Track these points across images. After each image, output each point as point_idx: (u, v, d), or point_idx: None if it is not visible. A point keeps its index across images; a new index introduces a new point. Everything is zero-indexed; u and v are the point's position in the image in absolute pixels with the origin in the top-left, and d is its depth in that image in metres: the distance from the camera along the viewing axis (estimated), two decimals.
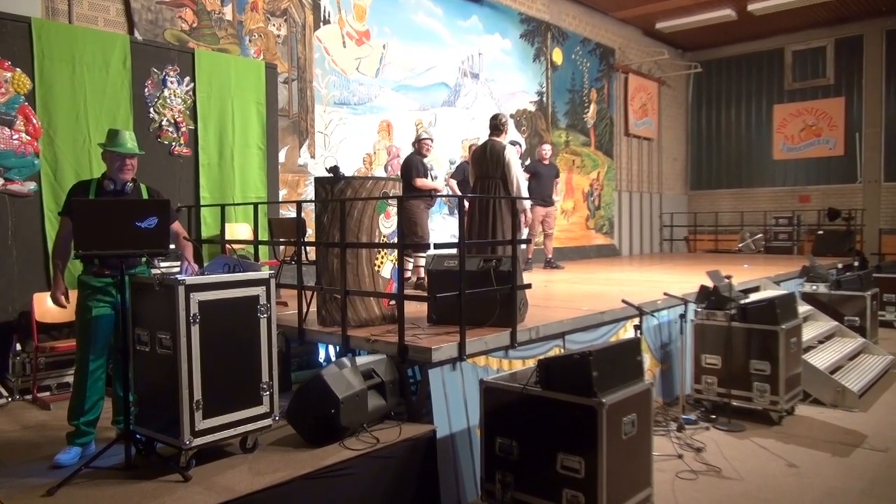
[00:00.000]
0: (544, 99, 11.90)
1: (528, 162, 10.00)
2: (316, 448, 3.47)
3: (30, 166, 5.23)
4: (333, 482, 3.26)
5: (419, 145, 7.04)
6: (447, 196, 9.15)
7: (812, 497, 3.90)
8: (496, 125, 6.05)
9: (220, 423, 3.27)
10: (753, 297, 6.03)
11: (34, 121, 5.23)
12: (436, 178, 9.42)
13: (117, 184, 3.66)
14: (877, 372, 6.52)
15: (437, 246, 4.42)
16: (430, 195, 6.89)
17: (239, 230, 6.59)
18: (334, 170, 4.59)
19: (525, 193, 6.04)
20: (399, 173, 7.33)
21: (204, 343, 3.19)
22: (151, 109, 6.05)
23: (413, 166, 6.86)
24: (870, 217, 13.57)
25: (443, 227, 9.67)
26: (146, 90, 6.00)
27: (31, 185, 5.24)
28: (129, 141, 3.69)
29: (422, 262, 6.78)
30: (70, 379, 4.98)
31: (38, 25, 5.35)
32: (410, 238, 6.46)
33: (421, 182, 6.81)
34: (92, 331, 3.55)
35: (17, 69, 5.19)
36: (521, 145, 9.21)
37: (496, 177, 5.80)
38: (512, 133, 10.61)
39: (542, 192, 9.13)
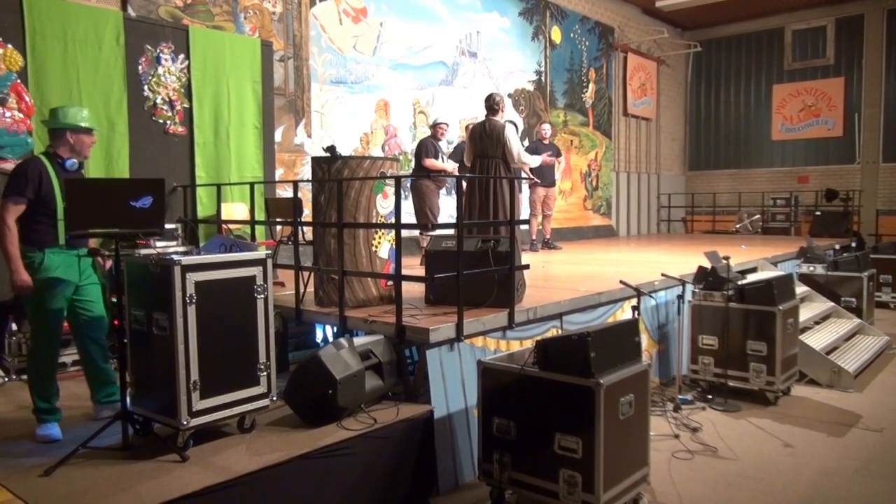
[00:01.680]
0: (542, 78, 11.81)
1: (526, 142, 9.93)
2: (313, 428, 3.47)
3: (23, 145, 5.17)
4: (331, 462, 3.26)
5: (434, 129, 7.51)
6: (451, 176, 9.12)
7: (807, 476, 3.93)
8: (492, 105, 5.99)
9: (217, 404, 3.27)
10: (751, 277, 6.04)
11: (27, 98, 5.16)
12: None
13: (78, 161, 3.67)
14: (872, 353, 6.55)
15: (434, 226, 4.40)
16: (438, 175, 7.18)
17: (235, 210, 6.55)
18: (331, 149, 4.55)
19: (529, 160, 6.07)
20: (410, 154, 7.59)
21: (201, 323, 3.18)
22: (146, 87, 5.97)
23: (424, 148, 7.27)
24: (867, 198, 13.55)
25: (442, 207, 9.62)
26: (140, 68, 5.93)
27: None
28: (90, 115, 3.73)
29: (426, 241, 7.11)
30: (67, 359, 4.98)
31: (30, 1, 5.26)
32: (422, 218, 6.67)
33: (430, 163, 7.20)
34: (61, 306, 3.57)
35: (9, 45, 5.11)
36: (517, 125, 9.16)
37: (496, 156, 5.75)
38: (510, 113, 10.54)
39: (543, 172, 9.11)
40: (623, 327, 3.56)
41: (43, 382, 3.62)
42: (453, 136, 9.80)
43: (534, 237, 9.31)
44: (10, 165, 5.09)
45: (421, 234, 7.23)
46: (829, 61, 14.17)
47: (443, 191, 7.71)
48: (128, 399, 3.34)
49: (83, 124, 3.64)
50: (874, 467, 4.06)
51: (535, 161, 6.48)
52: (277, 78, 7.48)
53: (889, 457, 4.22)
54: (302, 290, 4.68)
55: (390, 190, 4.53)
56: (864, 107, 13.79)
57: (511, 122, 7.66)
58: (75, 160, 3.63)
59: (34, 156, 3.73)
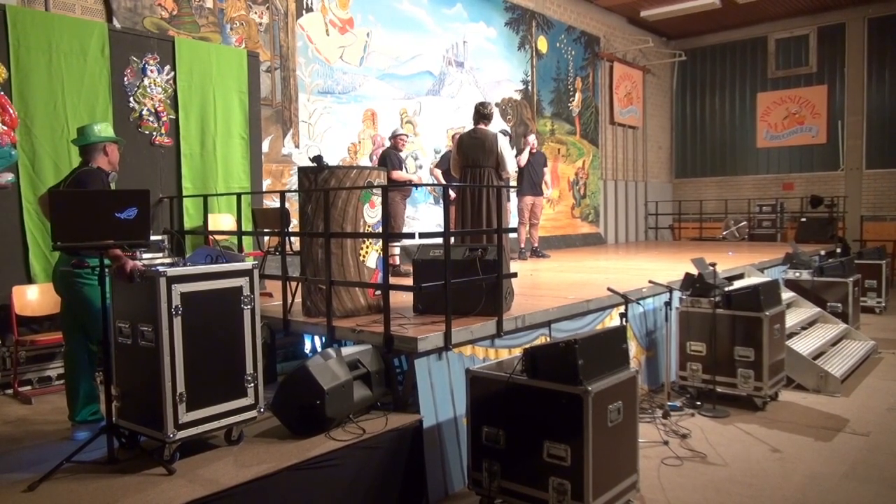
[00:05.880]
0: (529, 87, 11.87)
1: (514, 151, 9.96)
2: (301, 439, 3.45)
3: (7, 157, 5.12)
4: (319, 473, 3.24)
5: (395, 141, 7.55)
6: (431, 185, 9.15)
7: (795, 481, 3.94)
8: (484, 113, 6.00)
9: (204, 416, 3.25)
10: (737, 284, 6.07)
11: (10, 110, 5.12)
12: (420, 167, 9.43)
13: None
14: (859, 357, 6.60)
15: (422, 235, 4.40)
16: (408, 186, 7.32)
17: (222, 221, 6.52)
18: (318, 159, 4.55)
19: (514, 171, 6.12)
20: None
21: (187, 335, 3.16)
22: (131, 99, 5.95)
23: (388, 160, 7.27)
24: (852, 204, 13.70)
25: (429, 216, 9.64)
26: (125, 79, 5.91)
27: (9, 177, 5.14)
28: None
29: (396, 250, 7.33)
30: (51, 372, 4.94)
31: (14, 13, 5.23)
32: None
33: (397, 175, 7.21)
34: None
35: None
36: (510, 135, 9.21)
37: (487, 165, 5.75)
38: (498, 122, 10.58)
39: (532, 181, 9.16)
40: (611, 334, 3.57)
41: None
42: (441, 144, 9.83)
43: (522, 245, 9.34)
44: None
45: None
46: (812, 69, 14.34)
47: (418, 200, 7.74)
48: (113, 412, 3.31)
49: (115, 139, 3.91)
50: (861, 471, 4.08)
51: (519, 163, 6.47)
52: (264, 88, 7.47)
53: (876, 460, 4.25)
54: (289, 301, 4.67)
55: (377, 199, 4.53)
56: (846, 114, 13.95)
57: (505, 131, 7.70)
58: (114, 173, 3.84)
59: (89, 168, 3.80)
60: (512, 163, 5.78)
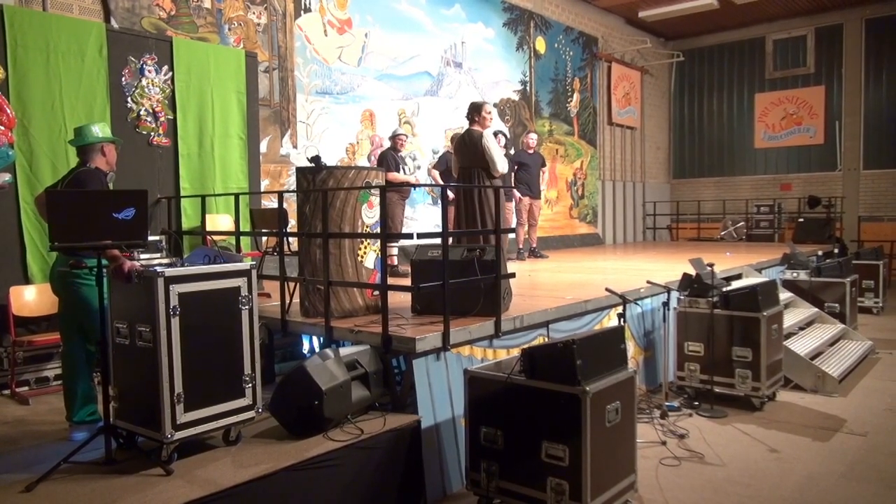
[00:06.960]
0: (528, 88, 11.88)
1: (512, 151, 9.97)
2: (299, 440, 3.45)
3: (4, 157, 5.10)
4: (317, 474, 3.24)
5: (394, 141, 7.59)
6: (429, 186, 9.16)
7: (793, 481, 3.95)
8: (469, 114, 6.00)
9: (202, 416, 3.25)
10: (735, 284, 6.07)
11: (8, 110, 5.10)
12: (419, 168, 9.43)
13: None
14: (856, 357, 6.61)
15: (420, 236, 4.40)
16: (406, 187, 7.28)
17: (220, 221, 6.52)
18: (316, 159, 4.55)
19: (504, 170, 5.90)
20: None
21: (185, 335, 3.16)
22: (129, 99, 5.95)
23: (385, 161, 7.31)
24: (849, 204, 13.72)
25: (428, 217, 9.65)
26: (123, 79, 5.90)
27: (6, 177, 5.12)
28: None
29: (395, 251, 7.33)
30: (49, 373, 4.93)
31: (11, 13, 5.23)
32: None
33: (392, 176, 7.21)
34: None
35: None
36: (505, 135, 9.20)
37: (479, 166, 5.74)
38: (496, 122, 10.57)
39: (529, 182, 9.15)
40: (609, 335, 3.58)
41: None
42: (439, 145, 9.84)
43: (520, 246, 9.34)
44: None
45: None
46: (810, 70, 14.36)
47: (417, 200, 7.73)
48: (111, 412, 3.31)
49: (113, 140, 3.95)
50: (859, 471, 4.09)
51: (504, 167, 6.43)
52: (262, 89, 7.47)
53: (873, 460, 4.25)
54: (287, 301, 4.66)
55: (375, 200, 4.53)
56: (844, 114, 13.97)
57: (498, 131, 7.67)
58: (112, 173, 3.86)
59: (87, 168, 3.83)
60: (501, 161, 5.69)
